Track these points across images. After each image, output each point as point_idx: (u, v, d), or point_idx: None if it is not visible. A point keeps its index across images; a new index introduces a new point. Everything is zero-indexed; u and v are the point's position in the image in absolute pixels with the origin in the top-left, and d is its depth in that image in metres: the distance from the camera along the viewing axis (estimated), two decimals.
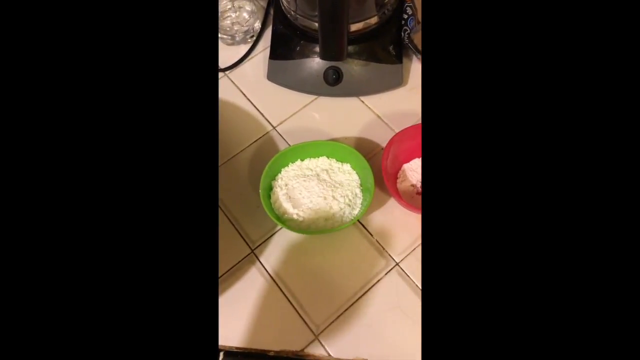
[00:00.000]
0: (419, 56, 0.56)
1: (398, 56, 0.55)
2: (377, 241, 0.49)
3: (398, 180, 0.52)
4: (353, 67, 0.54)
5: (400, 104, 0.57)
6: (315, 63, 0.55)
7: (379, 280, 0.47)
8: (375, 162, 0.52)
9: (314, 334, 0.45)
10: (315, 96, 0.58)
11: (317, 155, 0.51)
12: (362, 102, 0.58)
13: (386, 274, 0.48)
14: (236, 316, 0.46)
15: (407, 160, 0.53)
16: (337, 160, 0.51)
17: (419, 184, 0.52)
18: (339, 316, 0.46)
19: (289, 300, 0.46)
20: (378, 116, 0.57)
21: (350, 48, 0.53)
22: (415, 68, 0.60)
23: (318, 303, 0.46)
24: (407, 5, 0.55)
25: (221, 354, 0.44)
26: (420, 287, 0.47)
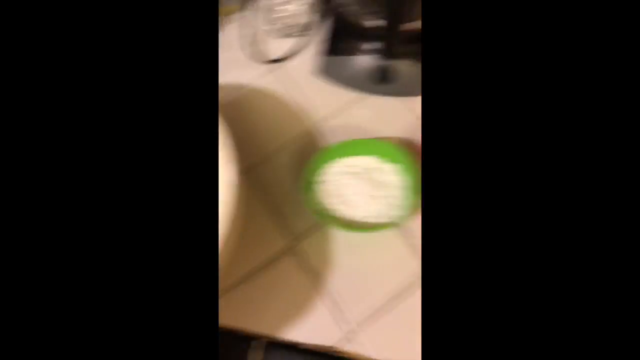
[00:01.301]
0: None
1: None
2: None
3: None
4: (407, 67, 0.53)
5: None
6: (369, 61, 0.54)
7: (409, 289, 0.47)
8: None
9: (348, 331, 0.44)
10: (365, 94, 0.57)
11: (365, 153, 0.51)
12: (411, 102, 0.57)
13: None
14: (272, 307, 0.46)
15: None
16: (386, 161, 0.51)
17: None
18: (372, 316, 0.45)
19: (326, 295, 0.46)
20: (418, 118, 0.56)
21: (405, 48, 0.52)
22: None
23: (354, 301, 0.46)
24: None
25: (260, 344, 0.44)
26: None
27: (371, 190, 0.49)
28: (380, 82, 0.55)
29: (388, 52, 0.52)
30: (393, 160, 0.50)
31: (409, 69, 0.54)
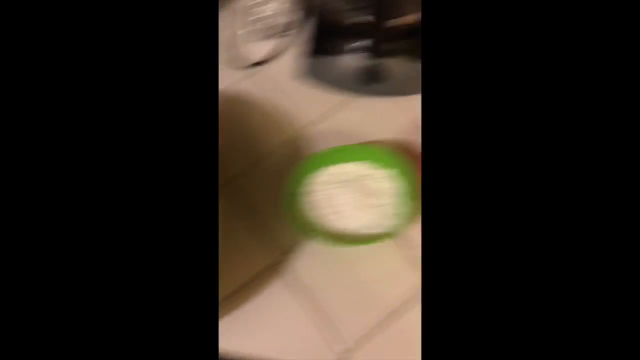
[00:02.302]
0: None
1: None
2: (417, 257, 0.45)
3: None
4: (397, 65, 0.50)
5: None
6: (356, 60, 0.51)
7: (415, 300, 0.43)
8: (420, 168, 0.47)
9: (344, 351, 0.40)
10: (354, 96, 0.54)
11: (356, 159, 0.47)
12: (405, 102, 0.53)
13: None
14: (260, 327, 0.42)
15: None
16: (379, 167, 0.46)
17: None
18: (369, 334, 0.41)
19: (316, 313, 0.42)
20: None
21: (396, 45, 0.49)
22: None
23: (346, 318, 0.42)
24: None
25: None
26: None
27: (363, 200, 0.45)
28: (369, 82, 0.52)
29: (376, 50, 0.49)
30: (386, 165, 0.46)
31: (400, 66, 0.51)
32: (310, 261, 0.45)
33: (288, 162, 0.50)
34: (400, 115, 0.52)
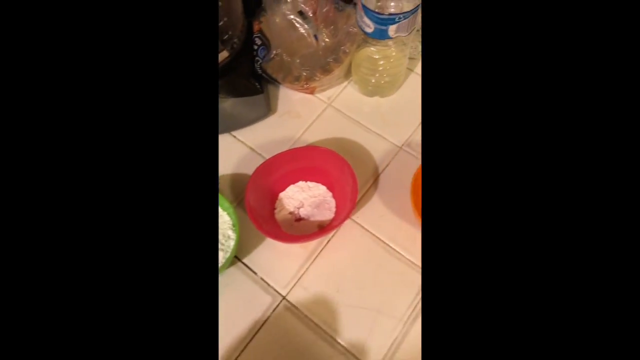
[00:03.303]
0: (277, 83, 0.55)
1: (258, 87, 0.55)
2: (261, 279, 0.48)
3: (275, 211, 0.51)
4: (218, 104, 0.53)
5: (273, 133, 0.57)
6: None
7: (267, 319, 0.46)
8: None
9: None
10: None
11: None
12: (234, 137, 0.57)
13: (273, 311, 0.46)
14: None
15: (283, 188, 0.52)
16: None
17: (296, 211, 0.51)
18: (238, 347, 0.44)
19: None
20: (251, 149, 0.56)
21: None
22: (283, 94, 0.59)
23: None
24: (256, 36, 0.55)
25: None
26: (311, 318, 0.46)
27: None
28: None
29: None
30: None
31: (221, 105, 0.54)
32: None
33: None
34: (233, 150, 0.56)
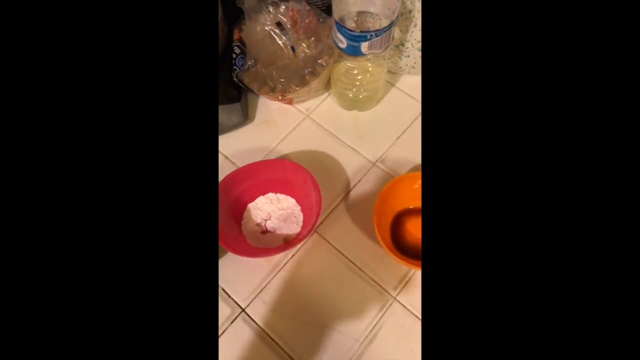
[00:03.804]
0: (255, 92, 0.55)
1: (236, 95, 0.55)
2: (222, 289, 0.48)
3: (242, 222, 0.51)
4: None
5: (248, 141, 0.57)
6: None
7: (225, 331, 0.46)
8: None
9: None
10: None
11: None
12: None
13: (231, 323, 0.46)
14: None
15: (253, 199, 0.52)
16: None
17: (263, 222, 0.50)
18: None
19: None
20: (226, 157, 0.56)
21: None
22: (262, 103, 0.59)
23: None
24: (235, 45, 0.55)
25: None
26: (268, 333, 0.46)
27: None
28: None
29: None
30: None
31: None
32: None
33: None
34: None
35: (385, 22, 0.45)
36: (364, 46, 0.46)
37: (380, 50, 0.47)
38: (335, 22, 0.46)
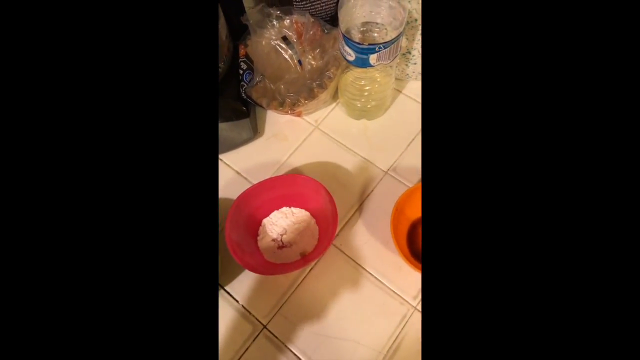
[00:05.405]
0: (264, 107, 0.55)
1: (245, 111, 0.55)
2: (243, 306, 0.48)
3: (258, 238, 0.51)
4: None
5: (259, 156, 0.57)
6: None
7: (247, 349, 0.46)
8: None
9: None
10: None
11: None
12: (220, 160, 0.57)
13: (254, 340, 0.46)
14: None
15: (267, 214, 0.52)
16: None
17: (279, 237, 0.51)
18: None
19: None
20: (237, 172, 0.56)
21: None
22: (270, 116, 0.59)
23: None
24: (242, 60, 0.55)
25: None
26: (290, 349, 0.46)
27: None
28: None
29: None
30: None
31: None
32: None
33: None
34: (220, 173, 0.56)
35: (391, 33, 0.45)
36: (373, 58, 0.46)
37: (389, 61, 0.47)
38: (343, 35, 0.46)
